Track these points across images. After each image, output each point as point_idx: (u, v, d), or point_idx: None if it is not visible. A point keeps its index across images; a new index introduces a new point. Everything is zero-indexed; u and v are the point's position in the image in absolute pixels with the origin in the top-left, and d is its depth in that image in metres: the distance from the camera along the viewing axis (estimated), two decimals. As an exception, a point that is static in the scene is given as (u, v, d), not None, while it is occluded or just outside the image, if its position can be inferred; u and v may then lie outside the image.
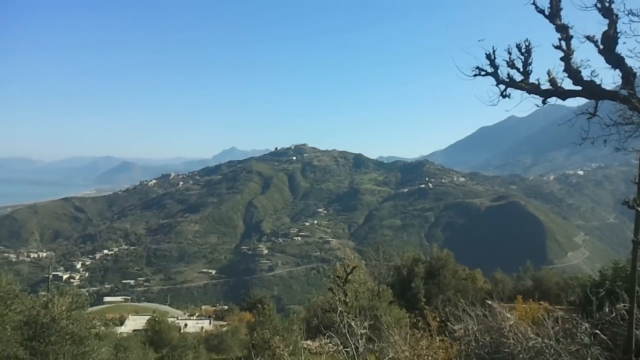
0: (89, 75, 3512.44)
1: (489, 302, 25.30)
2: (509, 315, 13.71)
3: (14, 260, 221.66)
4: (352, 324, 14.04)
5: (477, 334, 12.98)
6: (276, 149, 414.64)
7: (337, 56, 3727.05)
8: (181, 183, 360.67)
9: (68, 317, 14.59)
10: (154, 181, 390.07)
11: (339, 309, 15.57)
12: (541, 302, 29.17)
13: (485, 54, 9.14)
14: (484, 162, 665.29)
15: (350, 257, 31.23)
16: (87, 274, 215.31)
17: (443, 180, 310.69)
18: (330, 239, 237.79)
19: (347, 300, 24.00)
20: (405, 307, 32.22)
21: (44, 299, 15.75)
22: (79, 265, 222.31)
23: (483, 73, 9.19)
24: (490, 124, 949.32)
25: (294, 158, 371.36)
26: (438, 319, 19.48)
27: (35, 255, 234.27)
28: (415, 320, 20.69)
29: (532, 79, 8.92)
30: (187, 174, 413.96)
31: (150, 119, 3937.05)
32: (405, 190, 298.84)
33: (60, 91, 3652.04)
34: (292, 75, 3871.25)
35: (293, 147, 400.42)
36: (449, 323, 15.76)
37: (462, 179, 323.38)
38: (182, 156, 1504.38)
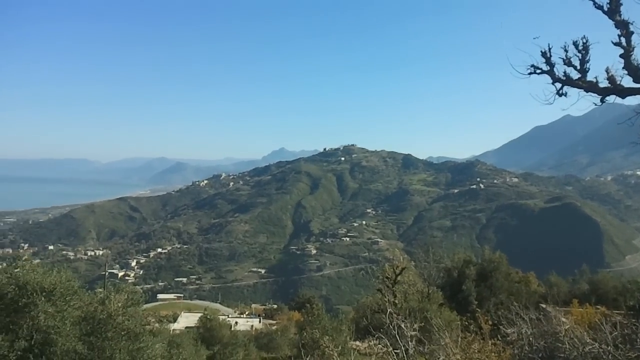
0: (145, 80, 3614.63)
1: (543, 306, 24.66)
2: (564, 319, 13.37)
3: (72, 257, 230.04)
4: (402, 325, 13.97)
5: (530, 338, 12.70)
6: (325, 149, 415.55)
7: (386, 56, 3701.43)
8: (232, 183, 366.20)
9: (124, 313, 14.97)
10: (205, 181, 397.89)
11: (389, 310, 15.50)
12: (598, 307, 28.22)
13: (541, 51, 8.97)
14: (538, 162, 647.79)
15: (399, 258, 31.06)
16: (141, 272, 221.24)
17: (495, 181, 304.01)
18: (378, 240, 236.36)
19: (397, 301, 23.85)
20: (455, 310, 31.69)
21: (101, 295, 16.21)
22: (133, 263, 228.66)
23: (538, 71, 9.02)
24: (545, 123, 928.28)
25: (343, 159, 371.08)
26: (490, 323, 19.12)
27: (92, 253, 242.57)
28: (466, 323, 20.34)
29: (590, 77, 8.70)
30: (237, 174, 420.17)
31: (202, 122, 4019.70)
32: (456, 191, 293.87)
33: (117, 95, 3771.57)
34: (340, 76, 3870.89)
35: (342, 148, 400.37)
36: (501, 327, 15.47)
37: (515, 180, 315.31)
38: (232, 157, 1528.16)
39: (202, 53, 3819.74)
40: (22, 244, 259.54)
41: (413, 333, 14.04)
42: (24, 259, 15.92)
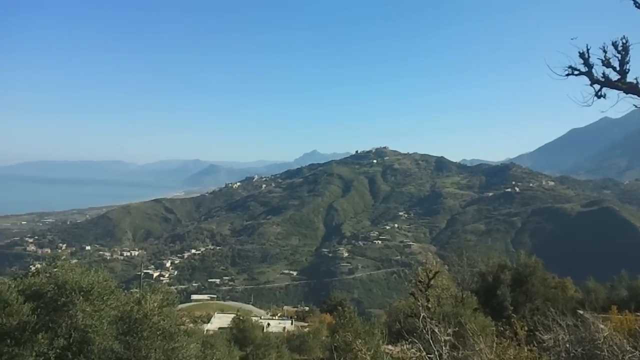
0: (180, 84, 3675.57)
1: (581, 312, 24.09)
2: (602, 326, 12.99)
3: (108, 258, 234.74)
4: (436, 330, 13.81)
5: (568, 345, 12.42)
6: (357, 152, 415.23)
7: (419, 59, 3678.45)
8: (264, 186, 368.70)
9: (159, 313, 15.15)
10: (238, 184, 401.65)
11: (422, 314, 15.35)
12: (638, 314, 27.39)
13: (579, 52, 8.78)
14: (574, 166, 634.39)
15: (432, 261, 30.79)
16: (175, 272, 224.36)
17: (531, 184, 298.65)
18: (411, 243, 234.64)
19: (430, 305, 23.63)
20: (490, 315, 31.17)
21: (137, 295, 16.46)
22: (168, 264, 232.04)
23: (576, 73, 8.82)
24: (582, 125, 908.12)
25: (375, 161, 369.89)
26: (526, 328, 18.76)
27: (128, 254, 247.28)
28: (502, 328, 20.02)
29: (630, 78, 8.47)
30: (269, 176, 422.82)
31: (236, 124, 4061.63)
32: (490, 194, 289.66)
33: (153, 99, 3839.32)
34: (372, 79, 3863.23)
35: (374, 151, 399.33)
36: (537, 333, 15.18)
37: (552, 183, 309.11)
38: (265, 159, 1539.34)
39: (237, 57, 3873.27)
40: (61, 244, 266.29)
41: (447, 338, 13.85)
42: (62, 258, 16.31)
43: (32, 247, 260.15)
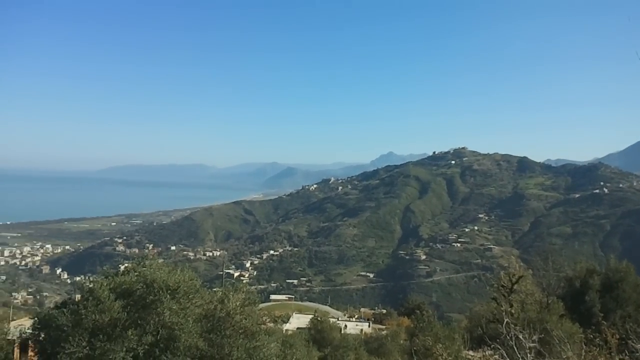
0: (259, 89, 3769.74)
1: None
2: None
3: (192, 257, 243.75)
4: (520, 336, 13.38)
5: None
6: (434, 153, 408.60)
7: (497, 54, 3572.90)
8: (340, 188, 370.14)
9: (241, 312, 15.54)
10: (315, 186, 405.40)
11: (505, 320, 14.91)
12: None
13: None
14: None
15: (515, 266, 29.77)
16: (255, 273, 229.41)
17: (621, 185, 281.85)
18: (492, 246, 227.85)
19: (513, 311, 22.85)
20: (578, 322, 29.74)
21: (220, 294, 16.95)
22: (248, 264, 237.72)
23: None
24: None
25: (453, 162, 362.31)
26: (617, 336, 17.76)
27: (210, 254, 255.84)
28: (591, 336, 19.04)
29: None
30: (345, 178, 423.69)
31: (313, 127, 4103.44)
32: (577, 195, 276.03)
33: (233, 104, 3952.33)
34: (449, 78, 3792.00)
35: (452, 151, 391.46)
36: (629, 341, 14.36)
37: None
38: (341, 161, 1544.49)
39: (312, 58, 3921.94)
40: (147, 244, 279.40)
41: (532, 345, 13.38)
42: (150, 258, 17.07)
43: (121, 247, 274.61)
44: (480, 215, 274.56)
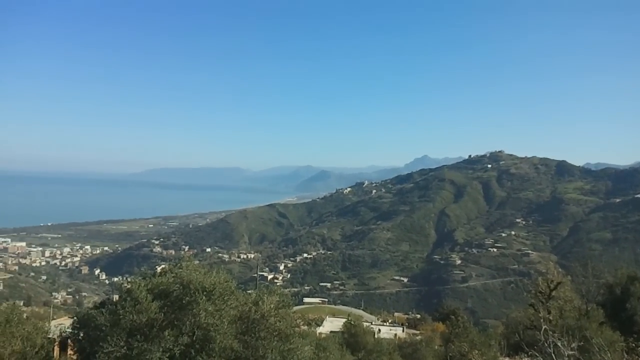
0: (293, 94, 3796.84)
1: None
2: None
3: (226, 259, 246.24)
4: (559, 343, 13.12)
5: None
6: (470, 156, 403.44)
7: (534, 54, 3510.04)
8: (374, 191, 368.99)
9: (276, 315, 15.65)
10: (348, 189, 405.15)
11: (543, 326, 14.62)
12: None
13: None
14: None
15: (553, 271, 29.15)
16: (288, 275, 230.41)
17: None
18: (529, 252, 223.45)
19: (551, 318, 22.37)
20: (618, 330, 28.94)
21: (254, 296, 17.10)
22: (281, 267, 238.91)
23: None
24: None
25: (489, 166, 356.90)
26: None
27: (245, 256, 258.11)
28: (632, 344, 18.50)
29: None
30: (379, 182, 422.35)
31: (347, 130, 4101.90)
32: (618, 200, 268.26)
33: (268, 108, 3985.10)
34: (486, 80, 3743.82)
35: (488, 155, 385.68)
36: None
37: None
38: (375, 165, 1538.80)
39: (349, 62, 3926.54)
40: (184, 246, 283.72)
41: (571, 352, 13.10)
42: (186, 260, 17.33)
43: (158, 249, 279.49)
44: (518, 220, 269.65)
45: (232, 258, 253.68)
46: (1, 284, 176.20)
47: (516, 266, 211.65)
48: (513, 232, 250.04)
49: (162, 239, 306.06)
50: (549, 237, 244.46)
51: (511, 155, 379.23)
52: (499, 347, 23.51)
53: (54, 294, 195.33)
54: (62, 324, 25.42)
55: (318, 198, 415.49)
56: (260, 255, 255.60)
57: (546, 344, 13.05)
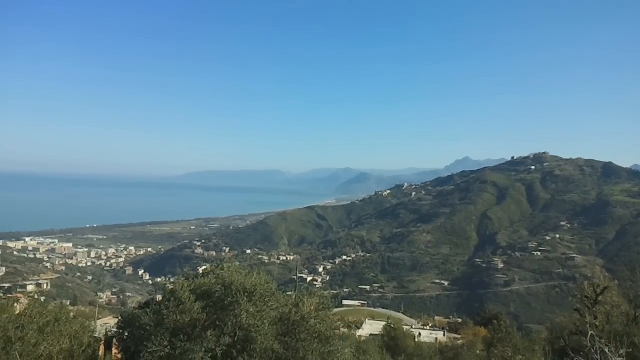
0: (334, 97, 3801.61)
1: None
2: None
3: (266, 261, 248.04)
4: (606, 349, 12.79)
5: None
6: (513, 158, 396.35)
7: (580, 53, 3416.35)
8: (414, 193, 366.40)
9: (316, 316, 15.71)
10: (388, 191, 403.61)
11: (590, 332, 14.26)
12: None
13: None
14: None
15: (599, 276, 28.35)
16: (327, 278, 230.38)
17: None
18: (574, 255, 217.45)
19: (598, 323, 21.75)
20: (671, 338, 27.87)
21: (294, 298, 17.20)
22: (320, 269, 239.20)
23: None
24: None
25: (533, 167, 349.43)
26: None
27: (284, 258, 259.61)
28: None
29: None
30: (419, 184, 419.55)
31: (386, 132, 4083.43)
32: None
33: (308, 110, 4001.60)
34: (529, 78, 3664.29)
35: (531, 156, 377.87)
36: None
37: None
38: (414, 167, 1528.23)
39: (385, 67, 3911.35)
40: (224, 248, 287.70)
41: (619, 359, 12.74)
42: (227, 261, 17.58)
43: (199, 250, 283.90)
44: (562, 223, 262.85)
45: (272, 260, 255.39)
46: (49, 284, 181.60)
47: (561, 270, 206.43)
48: (557, 236, 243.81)
49: (203, 241, 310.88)
50: (595, 241, 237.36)
51: (555, 156, 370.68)
52: (543, 352, 22.96)
53: (99, 293, 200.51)
54: (107, 323, 26.07)
55: (357, 200, 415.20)
56: (299, 257, 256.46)
57: (593, 350, 12.74)
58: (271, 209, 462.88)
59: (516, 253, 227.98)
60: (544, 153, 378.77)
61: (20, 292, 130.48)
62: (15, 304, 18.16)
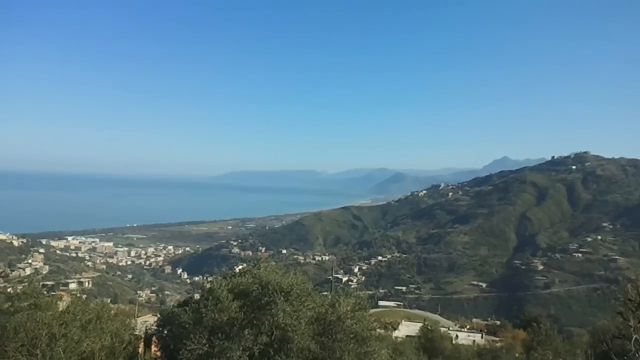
0: (368, 98, 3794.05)
1: None
2: None
3: (301, 261, 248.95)
4: (651, 355, 12.43)
5: None
6: (553, 157, 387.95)
7: (619, 49, 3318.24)
8: (450, 194, 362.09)
9: (352, 317, 15.73)
10: (424, 192, 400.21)
11: (634, 336, 13.89)
12: None
13: None
14: None
15: (644, 278, 27.36)
16: (363, 278, 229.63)
17: None
18: (617, 257, 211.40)
19: (643, 327, 21.09)
20: None
21: (330, 298, 17.24)
22: (356, 270, 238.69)
23: None
24: None
25: (574, 167, 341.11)
26: None
27: (319, 258, 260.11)
28: None
29: None
30: (456, 184, 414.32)
31: (422, 132, 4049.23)
32: None
33: (343, 110, 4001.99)
34: (568, 78, 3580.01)
35: (572, 156, 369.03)
36: None
37: None
38: (451, 167, 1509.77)
39: (424, 60, 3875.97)
40: (260, 247, 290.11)
41: (664, 365, 12.37)
42: (264, 261, 17.76)
43: (236, 250, 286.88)
44: (604, 224, 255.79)
45: (307, 260, 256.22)
46: (90, 282, 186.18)
47: (603, 272, 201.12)
48: (599, 237, 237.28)
49: (240, 240, 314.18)
50: (638, 242, 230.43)
51: (597, 156, 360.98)
52: (585, 356, 22.41)
53: (138, 292, 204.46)
54: (146, 321, 26.54)
55: (393, 201, 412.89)
56: (335, 258, 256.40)
57: (637, 355, 12.41)
58: (306, 209, 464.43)
59: (556, 254, 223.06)
60: (585, 152, 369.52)
61: (62, 290, 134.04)
62: (58, 302, 18.64)
